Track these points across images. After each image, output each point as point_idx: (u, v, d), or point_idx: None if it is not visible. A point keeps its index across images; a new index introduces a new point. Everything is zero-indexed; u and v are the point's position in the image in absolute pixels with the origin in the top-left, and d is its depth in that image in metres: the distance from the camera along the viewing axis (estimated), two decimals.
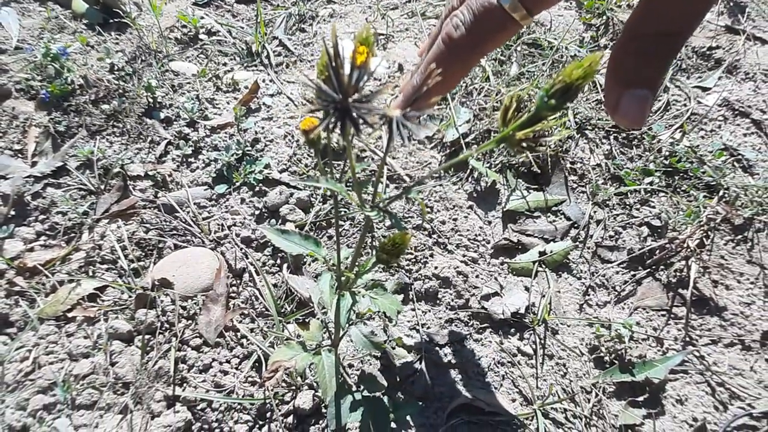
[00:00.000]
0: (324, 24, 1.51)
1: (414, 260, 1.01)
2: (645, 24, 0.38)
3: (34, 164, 1.12)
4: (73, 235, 1.02)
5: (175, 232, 1.03)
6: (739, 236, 1.03)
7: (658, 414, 0.85)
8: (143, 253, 1.01)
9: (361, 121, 0.33)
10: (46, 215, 1.04)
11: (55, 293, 0.94)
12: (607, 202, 1.09)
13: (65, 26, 1.40)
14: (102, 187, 1.09)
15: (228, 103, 1.27)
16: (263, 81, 1.32)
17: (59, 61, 1.22)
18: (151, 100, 1.23)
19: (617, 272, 1.01)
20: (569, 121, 1.19)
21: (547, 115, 0.33)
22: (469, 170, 1.14)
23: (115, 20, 1.41)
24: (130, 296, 0.94)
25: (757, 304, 0.96)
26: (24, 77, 1.23)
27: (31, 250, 1.00)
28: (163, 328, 0.90)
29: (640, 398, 0.87)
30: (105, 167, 1.11)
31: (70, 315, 0.91)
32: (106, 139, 1.17)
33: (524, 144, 0.34)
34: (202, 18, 1.45)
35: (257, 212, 1.07)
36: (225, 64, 1.37)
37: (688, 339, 0.93)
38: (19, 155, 1.13)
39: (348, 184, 0.99)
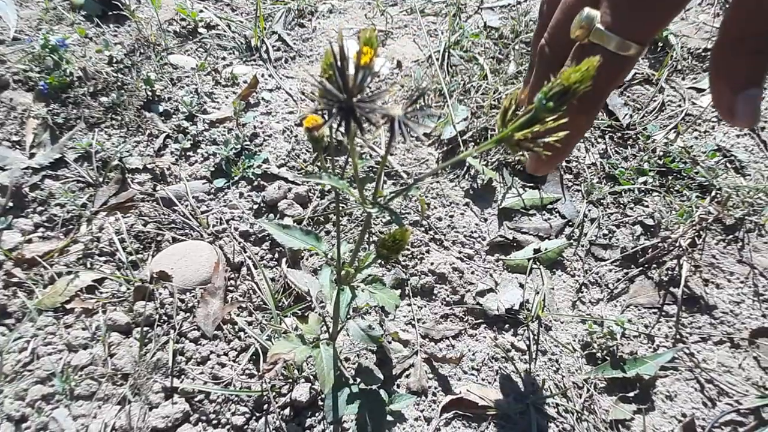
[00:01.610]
0: (323, 19, 1.51)
1: (410, 256, 1.02)
2: (750, 24, 0.38)
3: (32, 156, 1.12)
4: (71, 227, 1.03)
5: (173, 225, 1.04)
6: (730, 236, 1.05)
7: (648, 409, 0.87)
8: (141, 246, 1.01)
9: (364, 120, 0.34)
10: (44, 207, 1.04)
11: (54, 285, 0.94)
12: (602, 201, 1.11)
13: (63, 17, 1.40)
14: (100, 179, 1.09)
15: (227, 97, 1.27)
16: (262, 76, 1.32)
17: (58, 53, 1.22)
18: (149, 94, 1.23)
19: (610, 270, 1.03)
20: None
21: (545, 117, 0.34)
22: (466, 168, 1.15)
23: (114, 12, 1.41)
24: (128, 288, 0.94)
25: (747, 303, 0.97)
26: (22, 68, 1.23)
27: (30, 241, 1.00)
28: (162, 321, 0.91)
29: (631, 394, 0.88)
30: (103, 160, 1.11)
31: (68, 306, 0.92)
32: (104, 132, 1.17)
33: (522, 144, 0.36)
34: (201, 11, 1.45)
35: (255, 207, 1.08)
36: (224, 58, 1.37)
37: (678, 336, 0.95)
38: (17, 147, 1.13)
39: (348, 180, 1.00)
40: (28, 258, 0.97)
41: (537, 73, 0.52)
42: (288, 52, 1.41)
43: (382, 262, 1.00)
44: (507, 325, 0.96)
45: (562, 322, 0.97)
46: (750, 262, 1.02)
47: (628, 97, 1.28)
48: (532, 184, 1.15)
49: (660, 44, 1.36)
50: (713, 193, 1.09)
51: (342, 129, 0.34)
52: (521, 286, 1.00)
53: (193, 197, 1.08)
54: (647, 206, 1.10)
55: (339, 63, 0.33)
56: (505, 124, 0.36)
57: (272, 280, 0.97)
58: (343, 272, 0.55)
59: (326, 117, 0.34)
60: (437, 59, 1.33)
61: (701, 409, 0.88)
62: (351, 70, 0.35)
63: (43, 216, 1.03)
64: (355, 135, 0.35)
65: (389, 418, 0.75)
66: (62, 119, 1.16)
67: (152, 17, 1.41)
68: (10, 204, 1.04)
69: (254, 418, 0.82)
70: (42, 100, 1.20)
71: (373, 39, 0.38)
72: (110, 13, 1.41)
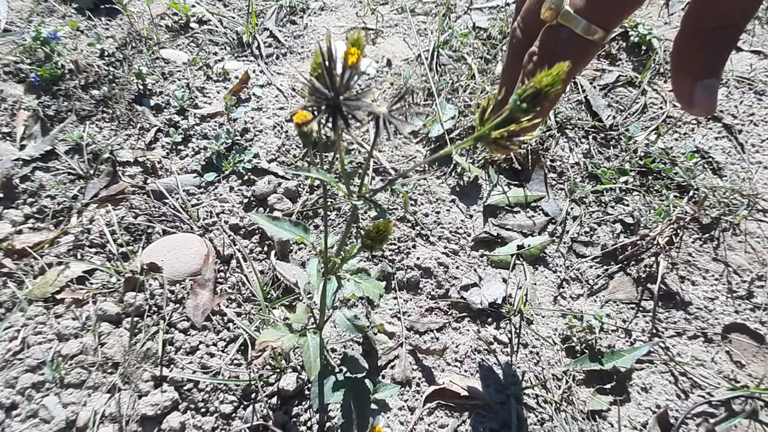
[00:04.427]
0: (314, 17, 1.52)
1: (397, 251, 1.04)
2: (706, 19, 0.41)
3: (22, 147, 1.12)
4: (61, 218, 1.04)
5: (163, 217, 1.05)
6: (706, 235, 1.09)
7: (624, 401, 0.90)
8: (132, 238, 1.02)
9: (350, 117, 0.36)
10: (34, 198, 1.05)
11: (44, 275, 0.95)
12: (584, 200, 1.14)
13: (54, 10, 1.40)
14: (91, 172, 1.10)
15: (218, 92, 1.28)
16: (253, 72, 1.34)
17: (49, 45, 1.22)
18: (141, 87, 1.24)
19: (591, 266, 1.06)
20: (549, 120, 1.23)
21: (520, 117, 0.36)
22: (452, 165, 1.17)
23: (106, 5, 1.41)
24: (118, 279, 0.95)
25: (720, 300, 1.01)
26: (13, 60, 1.23)
27: (20, 232, 1.01)
28: (152, 311, 0.93)
29: (608, 386, 0.91)
30: (94, 152, 1.12)
31: (58, 297, 0.93)
32: (95, 125, 1.18)
33: (499, 142, 0.38)
34: (194, 6, 1.46)
35: (245, 200, 1.09)
36: (216, 54, 1.38)
37: (654, 331, 0.98)
38: (8, 138, 1.14)
39: (336, 175, 1.02)
40: (18, 248, 0.97)
41: (509, 55, 0.54)
42: (279, 48, 1.42)
43: (369, 257, 1.02)
44: (490, 319, 0.98)
45: (543, 316, 0.99)
46: (724, 260, 1.06)
47: (612, 98, 1.31)
48: (516, 182, 1.17)
49: (643, 48, 1.39)
50: (691, 193, 1.12)
51: (329, 125, 0.36)
52: (504, 281, 1.03)
53: (183, 190, 1.09)
54: (627, 205, 1.13)
55: (327, 63, 0.35)
56: (483, 123, 0.38)
57: (261, 272, 0.99)
58: (329, 263, 0.57)
59: (315, 113, 0.36)
60: (426, 58, 1.35)
61: (675, 400, 0.91)
62: (339, 70, 0.37)
63: (33, 207, 1.04)
64: (341, 131, 0.37)
65: (374, 406, 0.77)
66: (53, 111, 1.17)
67: (144, 11, 1.42)
68: (0, 195, 1.05)
69: (242, 406, 0.84)
70: (33, 92, 1.20)
71: (361, 40, 0.40)
72: (102, 6, 1.42)
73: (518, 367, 0.93)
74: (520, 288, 1.02)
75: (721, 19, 0.40)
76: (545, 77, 0.34)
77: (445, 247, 1.06)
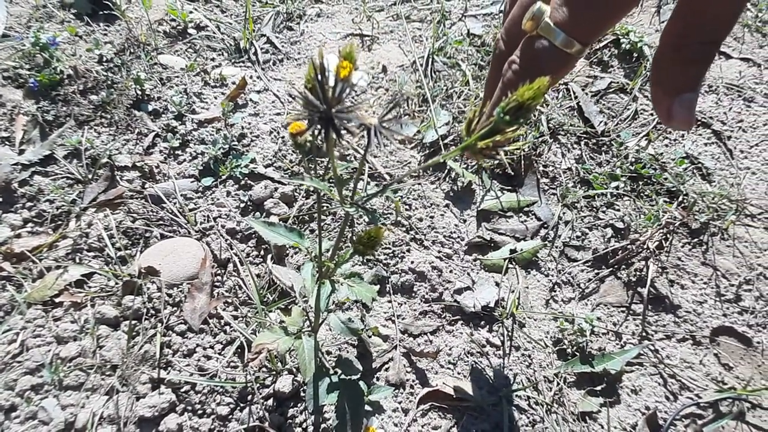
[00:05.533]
0: (311, 23, 1.54)
1: (391, 255, 1.06)
2: (686, 35, 0.41)
3: (21, 152, 1.14)
4: (60, 222, 1.05)
5: (161, 222, 1.07)
6: (695, 240, 1.11)
7: (614, 402, 0.92)
8: (130, 242, 1.04)
9: (342, 128, 0.37)
10: (33, 203, 1.06)
11: (43, 279, 0.96)
12: (576, 204, 1.16)
13: (53, 15, 1.41)
14: (89, 176, 1.11)
15: (215, 97, 1.30)
16: (250, 77, 1.35)
17: (48, 51, 1.23)
18: (139, 93, 1.26)
19: (582, 270, 1.08)
20: (542, 126, 1.25)
21: (504, 128, 0.38)
22: (446, 170, 1.19)
23: (104, 11, 1.42)
24: (116, 283, 0.97)
25: (709, 303, 1.03)
26: (12, 65, 1.25)
27: (19, 236, 1.02)
28: (149, 314, 0.94)
29: (598, 388, 0.93)
30: (93, 157, 1.14)
31: (57, 300, 0.94)
32: (94, 130, 1.19)
33: (485, 152, 0.40)
34: (191, 12, 1.47)
35: (242, 205, 1.11)
36: (213, 59, 1.40)
37: (644, 334, 1.00)
38: (7, 143, 1.15)
39: (330, 181, 1.04)
40: (17, 252, 0.99)
41: (491, 66, 0.55)
42: (276, 54, 1.44)
43: (364, 261, 1.04)
44: (483, 322, 1.00)
45: (535, 320, 1.01)
46: (713, 264, 1.08)
47: (604, 105, 1.33)
48: (509, 187, 1.19)
49: (635, 54, 1.42)
50: (680, 199, 1.14)
51: (323, 136, 0.38)
52: (497, 284, 1.04)
53: (181, 195, 1.11)
54: (618, 210, 1.15)
55: (319, 77, 0.37)
56: (470, 133, 0.40)
57: (258, 276, 1.01)
58: (324, 268, 0.59)
59: (308, 125, 0.38)
60: (421, 65, 1.37)
61: (664, 402, 0.93)
62: (331, 83, 0.38)
63: (32, 211, 1.05)
64: (334, 142, 0.39)
65: (368, 408, 0.79)
66: (52, 116, 1.18)
67: (142, 17, 1.43)
68: (0, 199, 1.06)
69: (238, 408, 0.85)
70: (32, 97, 1.22)
71: (353, 54, 0.42)
72: (100, 12, 1.43)
73: (510, 370, 0.94)
74: (513, 291, 1.03)
75: (703, 35, 0.41)
76: (527, 91, 0.36)
77: (439, 252, 1.08)
